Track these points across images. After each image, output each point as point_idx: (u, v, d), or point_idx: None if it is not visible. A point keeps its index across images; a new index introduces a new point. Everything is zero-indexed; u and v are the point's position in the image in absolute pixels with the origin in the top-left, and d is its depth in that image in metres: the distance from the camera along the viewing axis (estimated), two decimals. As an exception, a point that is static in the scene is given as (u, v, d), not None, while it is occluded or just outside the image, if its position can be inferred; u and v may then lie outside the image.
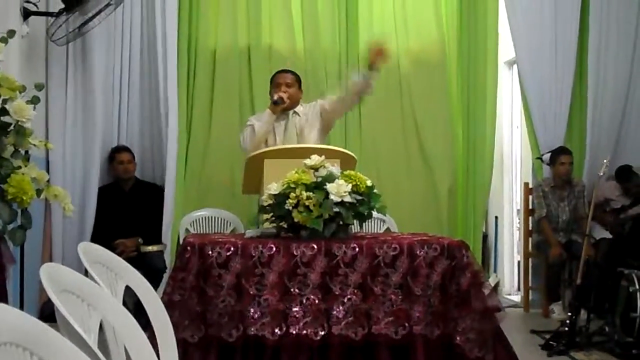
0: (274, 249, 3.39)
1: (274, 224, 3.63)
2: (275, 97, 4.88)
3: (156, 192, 5.69)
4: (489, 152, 6.64)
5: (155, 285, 5.02)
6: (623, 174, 6.15)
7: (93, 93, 5.49)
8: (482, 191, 6.63)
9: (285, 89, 4.94)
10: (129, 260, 4.63)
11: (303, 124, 4.95)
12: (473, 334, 3.45)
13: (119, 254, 4.92)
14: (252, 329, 3.31)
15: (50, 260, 5.17)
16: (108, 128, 5.67)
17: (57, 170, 5.30)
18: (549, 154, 6.31)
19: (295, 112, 4.99)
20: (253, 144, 4.84)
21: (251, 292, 3.34)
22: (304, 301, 3.35)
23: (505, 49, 6.83)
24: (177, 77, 5.80)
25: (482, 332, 3.48)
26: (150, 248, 5.42)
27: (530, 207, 6.55)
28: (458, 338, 3.43)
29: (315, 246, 3.40)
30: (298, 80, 5.08)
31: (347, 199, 3.45)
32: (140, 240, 5.43)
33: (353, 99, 4.91)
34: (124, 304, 2.23)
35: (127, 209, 5.57)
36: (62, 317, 1.57)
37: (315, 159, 3.58)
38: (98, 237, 5.21)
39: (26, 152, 3.48)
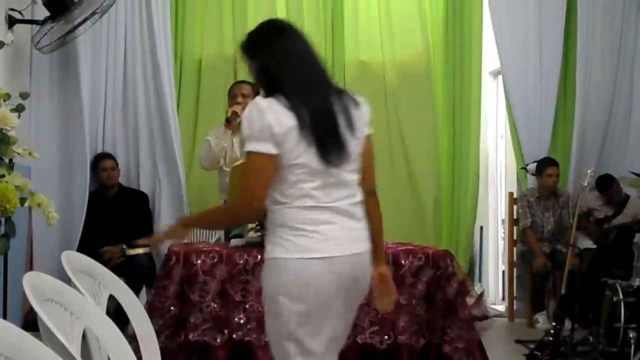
0: (259, 257, 3.39)
1: (259, 233, 3.62)
2: (229, 113, 4.86)
3: (141, 198, 5.68)
4: (474, 162, 6.68)
5: (147, 285, 5.04)
6: (603, 183, 6.18)
7: (77, 101, 5.46)
8: (471, 201, 6.66)
9: (241, 100, 4.87)
10: (118, 266, 4.64)
11: None
12: (461, 342, 3.46)
13: (106, 262, 4.93)
14: (238, 334, 3.31)
15: (31, 268, 5.14)
16: (92, 135, 5.64)
17: (41, 178, 5.27)
18: (534, 164, 6.32)
19: None
20: (209, 160, 5.00)
21: (237, 299, 3.34)
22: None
23: (490, 59, 6.86)
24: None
25: (470, 341, 3.49)
26: (134, 251, 5.40)
27: (515, 217, 6.57)
28: (447, 347, 3.43)
29: (301, 255, 3.39)
30: (255, 91, 4.99)
31: (333, 208, 3.44)
32: (124, 246, 5.40)
33: None
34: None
35: (112, 216, 5.54)
36: (45, 326, 1.56)
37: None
38: (83, 245, 5.19)
39: (10, 160, 3.46)
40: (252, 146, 2.33)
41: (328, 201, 2.39)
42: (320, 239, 2.37)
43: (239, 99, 4.90)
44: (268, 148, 2.31)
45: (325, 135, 2.36)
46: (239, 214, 2.53)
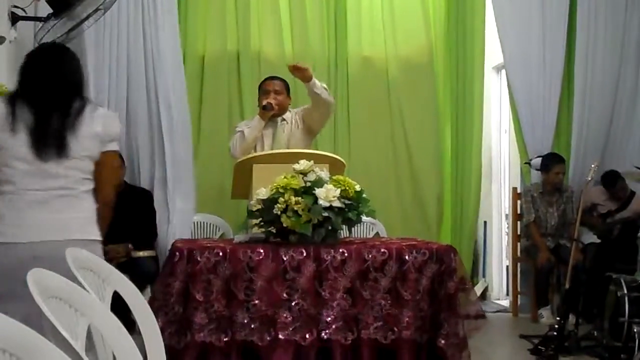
0: (263, 254, 3.38)
1: (263, 229, 3.62)
2: (265, 102, 4.85)
3: (146, 197, 5.67)
4: (477, 158, 6.68)
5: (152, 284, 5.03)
6: (609, 178, 6.17)
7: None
8: (474, 197, 6.67)
9: (274, 96, 4.86)
10: (120, 265, 4.61)
11: (291, 131, 4.92)
12: (456, 338, 3.46)
13: (110, 260, 4.91)
14: (241, 334, 3.31)
15: (35, 265, 5.14)
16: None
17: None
18: (539, 159, 6.31)
19: (283, 120, 4.93)
20: (242, 150, 4.82)
21: (240, 298, 3.33)
22: (293, 306, 3.35)
23: (494, 54, 6.85)
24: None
25: (464, 338, 3.49)
26: (141, 253, 5.40)
27: (519, 212, 6.56)
28: (441, 341, 3.43)
29: (304, 251, 3.40)
30: (287, 87, 5.00)
31: (336, 203, 3.45)
32: (130, 246, 5.40)
33: (316, 109, 4.83)
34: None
35: (117, 214, 5.52)
36: (49, 323, 1.57)
37: (304, 164, 3.58)
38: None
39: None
40: None
41: (29, 189, 2.68)
42: (9, 224, 2.64)
43: (272, 95, 4.88)
44: None
45: (41, 131, 2.71)
46: None
